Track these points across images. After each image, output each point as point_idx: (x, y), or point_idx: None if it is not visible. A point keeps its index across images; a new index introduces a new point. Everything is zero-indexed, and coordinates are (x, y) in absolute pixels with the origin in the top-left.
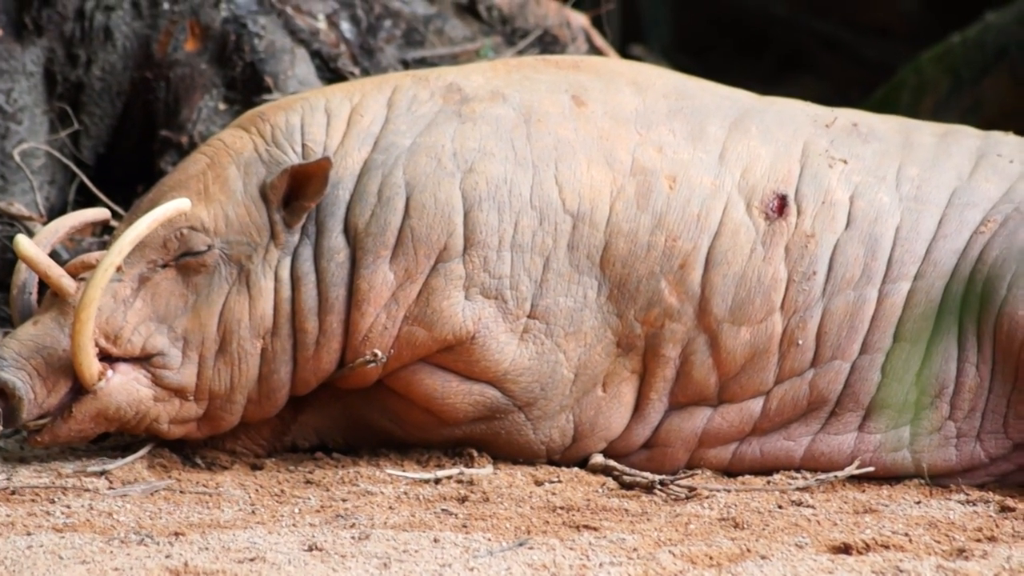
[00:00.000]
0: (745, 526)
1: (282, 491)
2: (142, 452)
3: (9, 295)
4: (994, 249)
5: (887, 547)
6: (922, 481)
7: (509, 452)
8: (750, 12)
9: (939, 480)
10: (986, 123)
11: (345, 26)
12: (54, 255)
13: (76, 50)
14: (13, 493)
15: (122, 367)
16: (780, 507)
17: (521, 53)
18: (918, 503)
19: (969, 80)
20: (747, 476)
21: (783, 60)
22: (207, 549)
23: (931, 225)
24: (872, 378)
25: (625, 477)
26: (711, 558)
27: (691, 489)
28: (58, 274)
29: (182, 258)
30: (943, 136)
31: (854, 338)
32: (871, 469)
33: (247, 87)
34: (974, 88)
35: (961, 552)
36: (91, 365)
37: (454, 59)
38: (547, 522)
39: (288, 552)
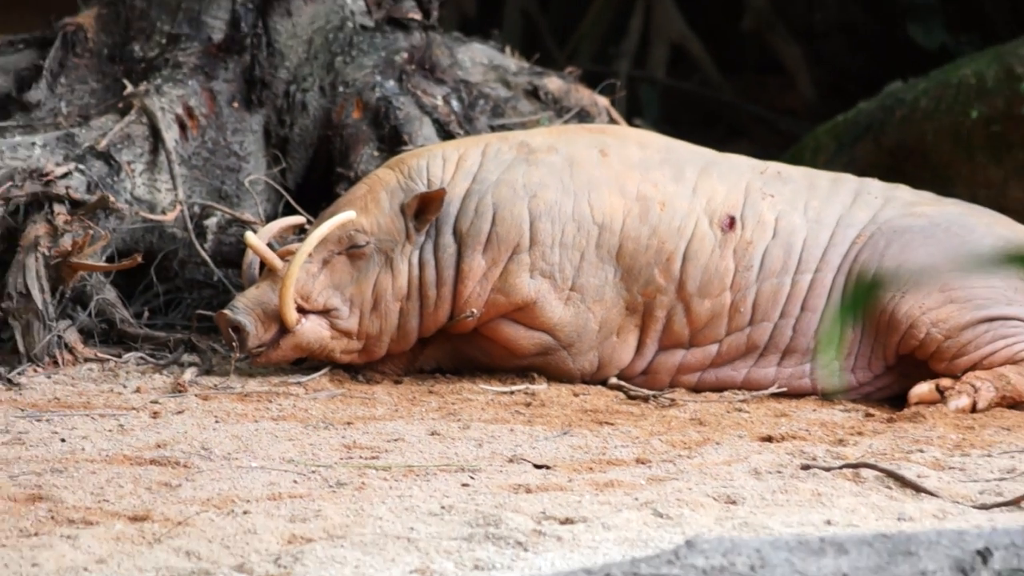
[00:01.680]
0: (706, 423)
1: (414, 397)
2: (324, 371)
3: (241, 270)
4: (864, 253)
5: (795, 438)
6: (817, 398)
7: (557, 375)
8: (708, 98)
9: (828, 396)
10: (858, 173)
11: (454, 103)
12: (269, 246)
13: (284, 116)
14: (246, 396)
15: (311, 317)
16: (728, 412)
17: (566, 123)
18: (815, 411)
19: (848, 145)
20: (708, 393)
21: (730, 130)
22: (367, 433)
23: (825, 237)
24: (787, 333)
25: (631, 392)
26: (684, 443)
27: (672, 400)
28: (272, 257)
29: (350, 249)
30: (833, 180)
31: (776, 308)
32: (784, 389)
33: (392, 142)
34: (851, 150)
35: (840, 441)
36: (292, 314)
37: (523, 125)
38: (581, 419)
39: (418, 435)
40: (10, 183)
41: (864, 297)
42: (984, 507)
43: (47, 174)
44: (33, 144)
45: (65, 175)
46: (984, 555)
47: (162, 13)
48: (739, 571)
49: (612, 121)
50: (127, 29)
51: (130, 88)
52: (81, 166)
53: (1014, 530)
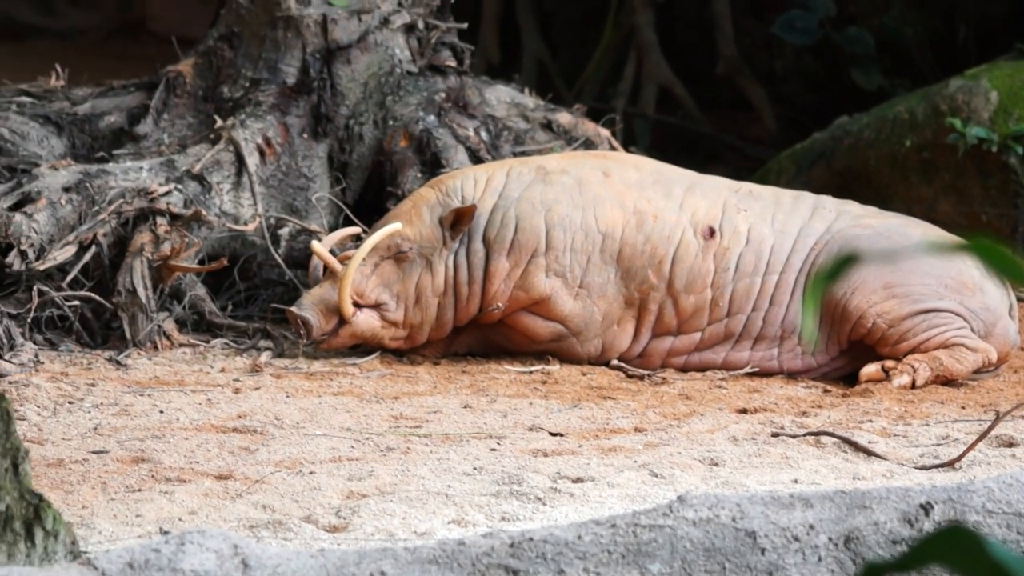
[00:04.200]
0: (692, 398)
1: (450, 376)
2: (375, 355)
3: (308, 271)
4: (821, 258)
5: (766, 410)
6: (784, 376)
7: (568, 358)
8: (689, 130)
9: (792, 376)
10: (814, 191)
11: (483, 134)
12: (331, 252)
13: (344, 145)
14: (311, 375)
15: (365, 310)
16: (710, 388)
17: (574, 150)
18: (782, 388)
19: (805, 168)
20: (693, 372)
21: (707, 156)
22: (412, 406)
23: (789, 245)
24: (758, 323)
25: (629, 372)
26: (674, 415)
27: (663, 379)
28: (333, 261)
29: (397, 254)
30: (795, 197)
31: (748, 302)
32: (756, 370)
33: (432, 166)
34: (808, 173)
35: (804, 413)
36: (349, 308)
37: (540, 152)
38: (589, 395)
39: (454, 408)
40: (121, 200)
41: (822, 285)
42: (924, 468)
43: (151, 192)
44: (141, 168)
45: (166, 193)
46: (926, 508)
47: (246, 61)
48: (723, 522)
49: (612, 148)
50: (218, 75)
51: (219, 123)
52: (179, 186)
53: (950, 487)
